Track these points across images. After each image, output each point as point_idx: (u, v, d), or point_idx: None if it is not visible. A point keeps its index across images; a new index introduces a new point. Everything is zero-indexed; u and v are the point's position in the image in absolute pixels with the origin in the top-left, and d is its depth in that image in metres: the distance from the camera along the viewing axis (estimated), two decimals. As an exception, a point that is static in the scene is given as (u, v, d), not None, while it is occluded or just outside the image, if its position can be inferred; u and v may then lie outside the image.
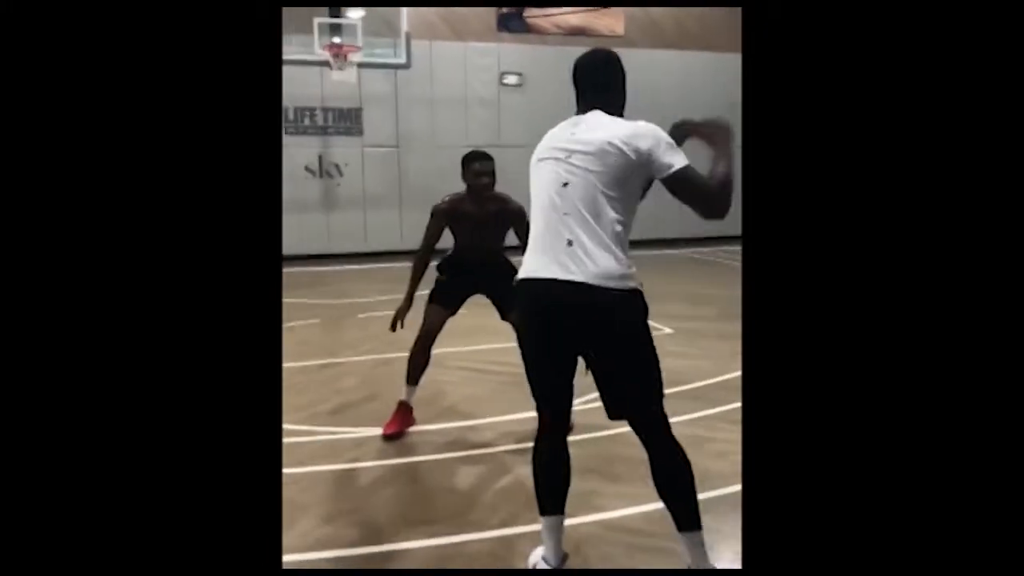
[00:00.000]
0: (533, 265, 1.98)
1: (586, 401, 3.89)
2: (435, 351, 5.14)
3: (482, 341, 5.46)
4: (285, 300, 7.74)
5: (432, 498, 2.93)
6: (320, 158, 10.56)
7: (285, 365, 4.98)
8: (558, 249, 1.92)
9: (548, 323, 1.97)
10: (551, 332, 1.98)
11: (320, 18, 9.16)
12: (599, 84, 2.06)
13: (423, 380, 3.71)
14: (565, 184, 1.94)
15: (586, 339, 1.95)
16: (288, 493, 2.94)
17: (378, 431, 3.63)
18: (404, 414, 3.68)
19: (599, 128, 1.96)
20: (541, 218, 1.99)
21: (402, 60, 9.49)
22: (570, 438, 2.28)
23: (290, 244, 10.31)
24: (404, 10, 9.32)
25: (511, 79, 11.39)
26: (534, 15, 11.64)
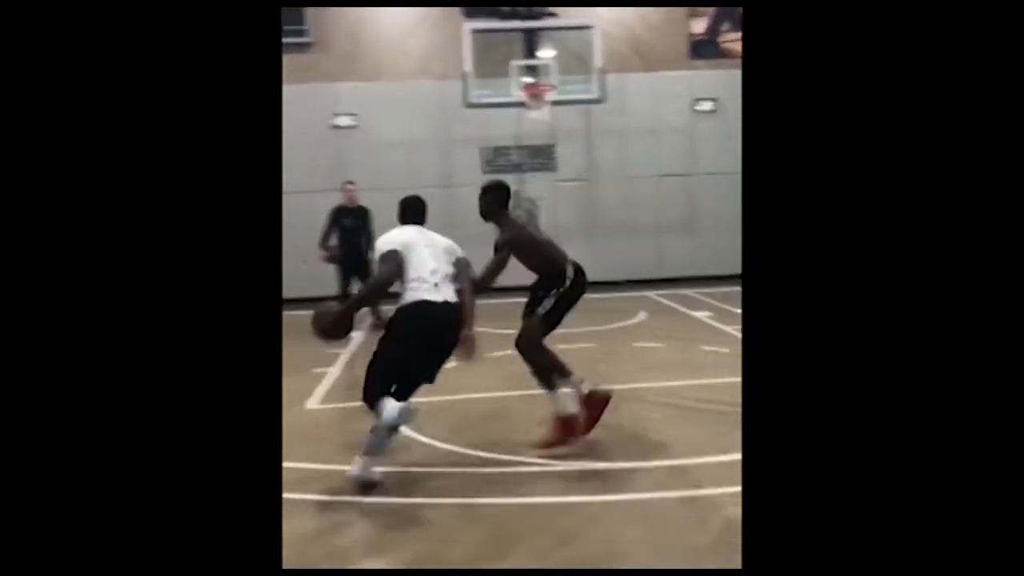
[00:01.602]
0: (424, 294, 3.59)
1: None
2: (637, 385, 5.06)
3: (683, 376, 5.34)
4: (486, 331, 8.04)
5: (641, 538, 2.88)
6: (515, 194, 10.99)
7: (488, 395, 5.18)
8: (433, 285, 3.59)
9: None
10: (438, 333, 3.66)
11: (516, 61, 9.59)
12: (422, 214, 3.96)
13: (625, 416, 3.70)
14: (436, 259, 3.69)
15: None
16: (498, 521, 3.04)
17: (589, 464, 3.65)
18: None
19: (439, 237, 3.86)
20: (427, 271, 3.62)
21: (595, 95, 9.66)
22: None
23: (487, 277, 10.81)
24: (597, 46, 9.50)
25: (705, 105, 11.15)
26: (727, 40, 11.36)
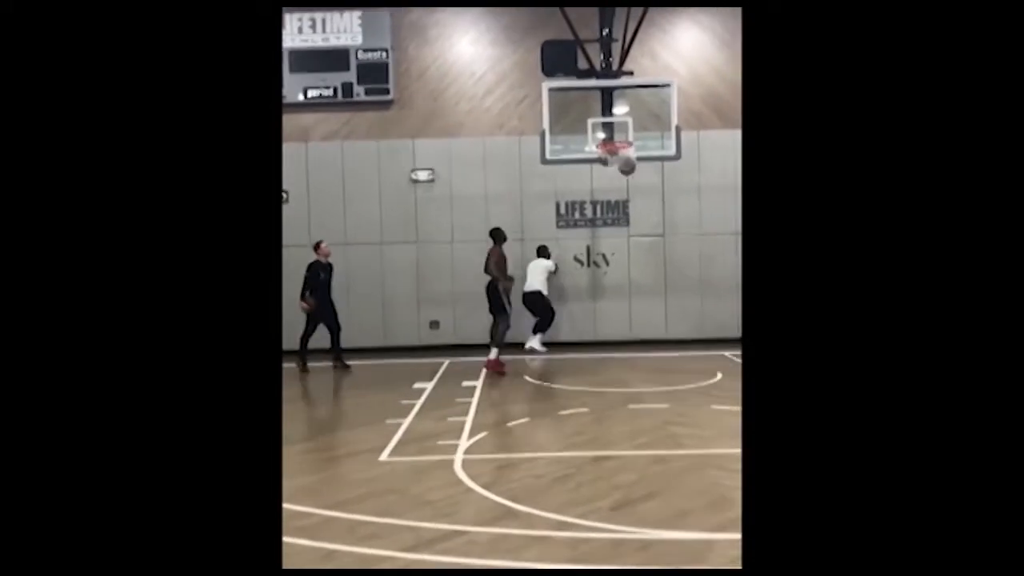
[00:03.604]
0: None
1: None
2: (716, 451, 4.90)
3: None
4: (560, 387, 8.02)
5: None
6: (588, 249, 10.96)
7: (559, 454, 5.07)
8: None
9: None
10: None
11: (593, 119, 9.70)
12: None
13: (704, 483, 3.55)
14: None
15: None
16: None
17: (667, 533, 3.50)
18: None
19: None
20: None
21: (671, 152, 9.63)
22: None
23: (561, 332, 10.74)
24: (674, 104, 9.52)
25: (783, 163, 10.94)
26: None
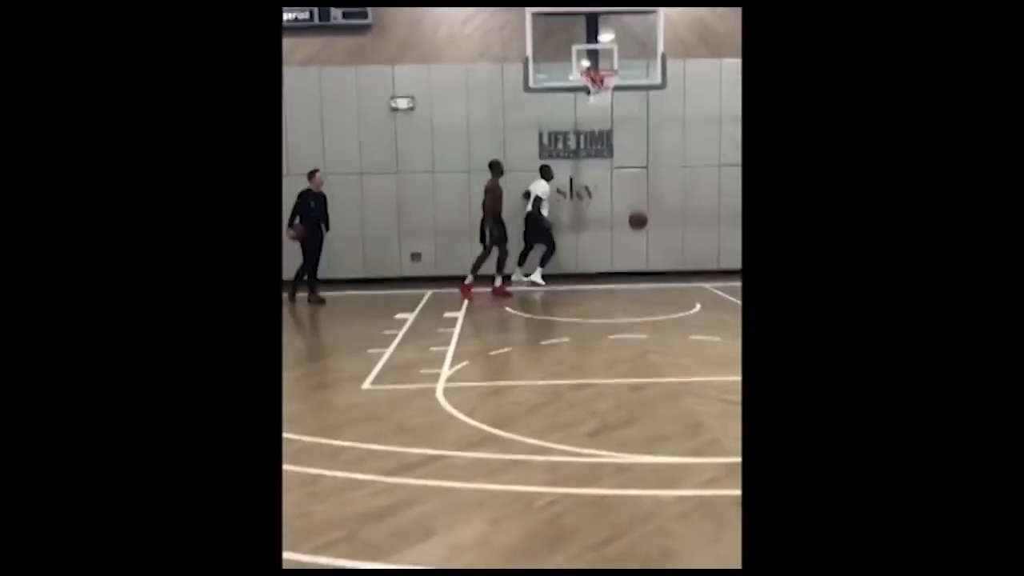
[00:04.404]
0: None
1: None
2: (692, 379, 4.98)
3: (740, 372, 5.20)
4: (542, 317, 8.09)
5: (695, 536, 2.81)
6: (571, 180, 10.86)
7: (539, 382, 5.16)
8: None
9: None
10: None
11: (577, 45, 9.46)
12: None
13: (680, 410, 3.63)
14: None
15: None
16: (552, 512, 3.01)
17: (643, 458, 3.59)
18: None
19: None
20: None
21: (657, 81, 9.46)
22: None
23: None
24: (660, 31, 9.30)
25: (769, 94, 10.79)
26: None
